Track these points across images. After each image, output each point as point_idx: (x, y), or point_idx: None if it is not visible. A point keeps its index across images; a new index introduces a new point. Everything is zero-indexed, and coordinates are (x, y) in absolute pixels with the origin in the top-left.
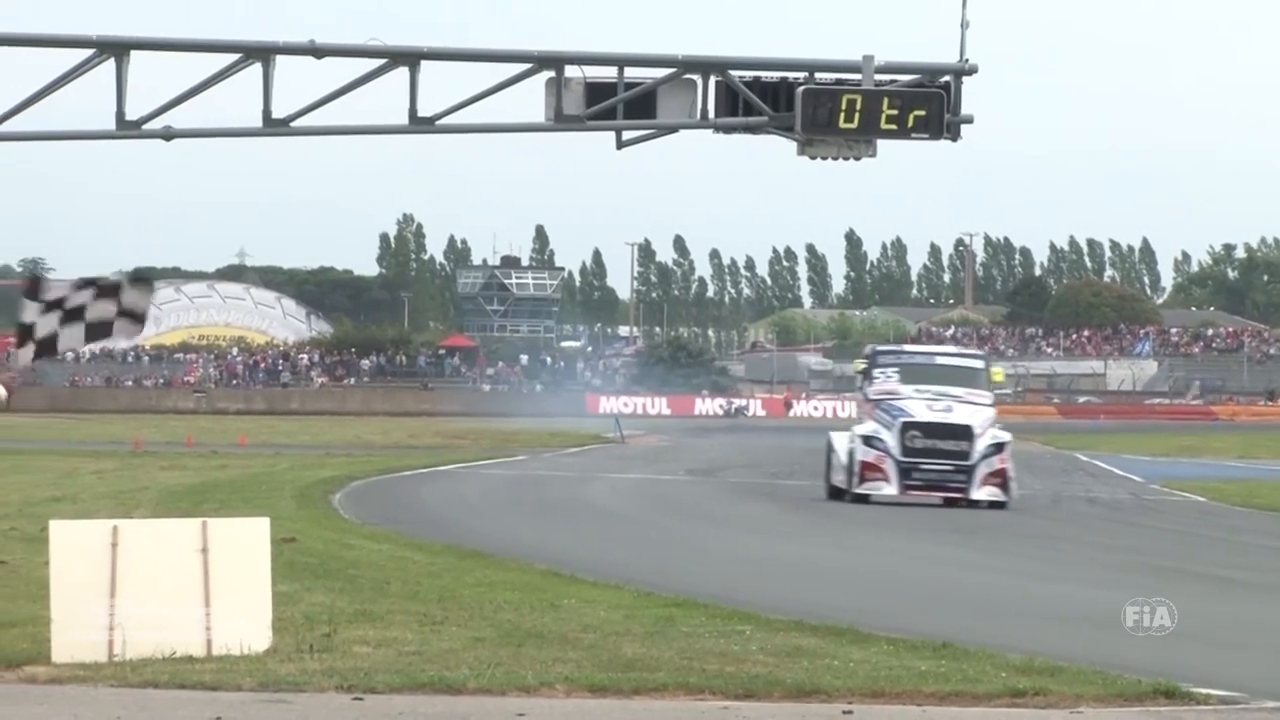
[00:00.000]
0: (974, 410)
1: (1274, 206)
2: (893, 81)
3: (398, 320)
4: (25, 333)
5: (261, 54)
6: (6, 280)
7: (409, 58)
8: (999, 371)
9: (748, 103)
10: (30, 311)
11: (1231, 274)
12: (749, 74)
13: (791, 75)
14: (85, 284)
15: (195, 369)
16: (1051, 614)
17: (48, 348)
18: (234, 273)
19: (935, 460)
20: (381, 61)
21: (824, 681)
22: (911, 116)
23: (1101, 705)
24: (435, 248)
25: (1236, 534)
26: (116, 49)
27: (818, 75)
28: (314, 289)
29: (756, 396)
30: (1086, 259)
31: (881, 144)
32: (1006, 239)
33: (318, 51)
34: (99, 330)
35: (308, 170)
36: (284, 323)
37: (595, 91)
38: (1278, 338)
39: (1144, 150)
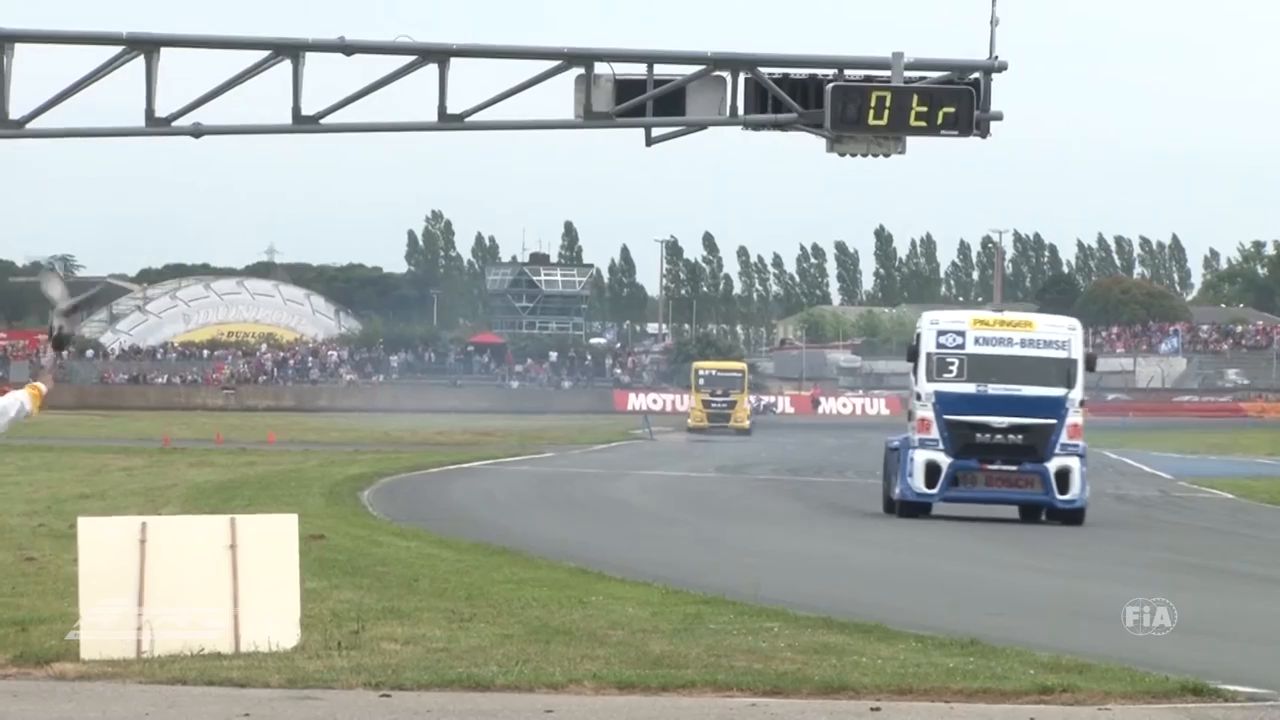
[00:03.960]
0: None
1: None
2: (922, 78)
3: (426, 317)
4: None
5: (291, 51)
6: (34, 278)
7: (438, 55)
8: None
9: (777, 100)
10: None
11: (1261, 271)
12: (778, 71)
13: (821, 72)
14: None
15: (224, 366)
16: (1080, 611)
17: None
18: (263, 270)
19: None
20: (411, 58)
21: (852, 678)
22: (941, 113)
23: (1129, 702)
24: (464, 245)
25: (1265, 531)
26: (146, 46)
27: (847, 72)
28: (343, 286)
29: (785, 393)
30: (1115, 256)
31: (911, 141)
32: (1036, 235)
33: (347, 48)
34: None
35: (337, 167)
36: (313, 320)
37: (625, 88)
38: None
39: (1173, 147)
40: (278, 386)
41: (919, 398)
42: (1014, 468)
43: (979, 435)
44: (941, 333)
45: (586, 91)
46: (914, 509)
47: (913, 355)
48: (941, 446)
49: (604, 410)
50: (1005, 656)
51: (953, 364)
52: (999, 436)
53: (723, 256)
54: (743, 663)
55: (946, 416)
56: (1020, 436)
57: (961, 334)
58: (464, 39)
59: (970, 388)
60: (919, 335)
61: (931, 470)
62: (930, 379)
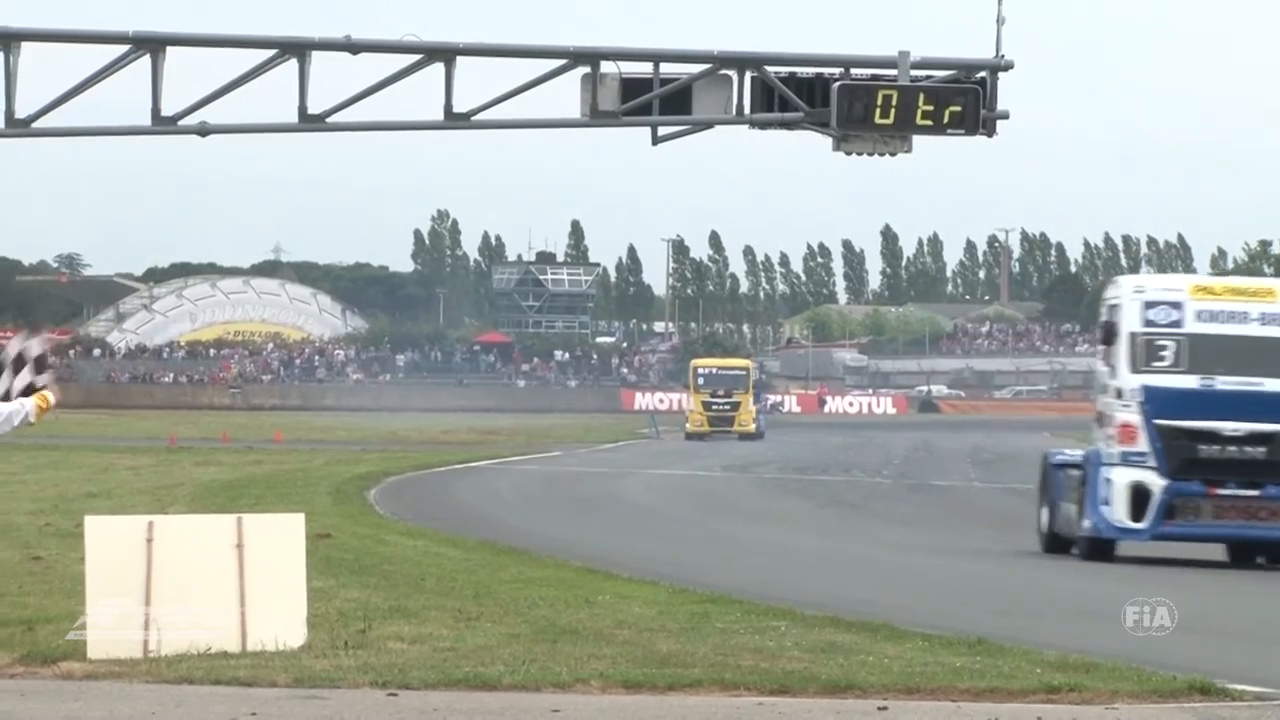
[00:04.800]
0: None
1: None
2: (929, 77)
3: (433, 316)
4: None
5: (297, 50)
6: (44, 276)
7: (444, 54)
8: None
9: (783, 99)
10: None
11: (1268, 270)
12: (785, 70)
13: (827, 71)
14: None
15: (231, 365)
16: (1087, 610)
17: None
18: (269, 269)
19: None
20: (417, 57)
21: (859, 677)
22: (947, 112)
23: (1137, 701)
24: (470, 244)
25: None
26: (152, 45)
27: (853, 71)
28: (349, 285)
29: (791, 392)
30: (1122, 255)
31: (917, 140)
32: (1043, 235)
33: (353, 47)
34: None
35: (343, 166)
36: (319, 319)
37: (631, 87)
38: None
39: (1179, 145)
40: (284, 385)
41: (1118, 394)
42: (1254, 492)
43: (1204, 447)
44: (1150, 304)
45: (592, 90)
46: (1108, 549)
47: (1108, 335)
48: (1152, 463)
49: (610, 409)
50: (1012, 655)
51: (1167, 348)
52: (1232, 449)
53: (729, 255)
54: (749, 661)
55: (1159, 421)
56: (1262, 449)
57: (1178, 306)
58: (470, 38)
59: (1192, 381)
60: (1115, 307)
61: (1138, 496)
62: (1135, 369)
